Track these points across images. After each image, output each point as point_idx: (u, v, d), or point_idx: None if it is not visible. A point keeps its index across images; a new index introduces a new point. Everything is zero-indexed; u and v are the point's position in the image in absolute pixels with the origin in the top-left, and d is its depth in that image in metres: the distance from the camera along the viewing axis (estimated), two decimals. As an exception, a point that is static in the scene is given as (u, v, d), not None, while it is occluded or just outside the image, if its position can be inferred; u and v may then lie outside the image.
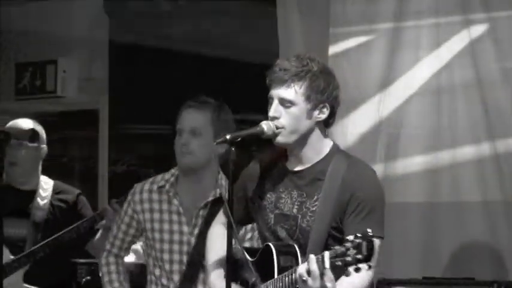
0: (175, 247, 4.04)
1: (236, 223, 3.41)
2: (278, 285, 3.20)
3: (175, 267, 4.03)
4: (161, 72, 6.50)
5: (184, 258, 4.02)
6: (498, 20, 5.13)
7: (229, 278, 3.18)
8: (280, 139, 3.26)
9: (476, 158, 5.19)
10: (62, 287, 4.83)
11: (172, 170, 4.16)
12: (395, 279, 4.80)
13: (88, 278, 5.65)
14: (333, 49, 5.60)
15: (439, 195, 5.28)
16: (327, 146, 3.35)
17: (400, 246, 5.11)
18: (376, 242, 3.09)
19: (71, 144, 7.21)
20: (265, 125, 3.24)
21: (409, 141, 5.38)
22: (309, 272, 3.00)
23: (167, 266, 4.04)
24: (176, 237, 4.04)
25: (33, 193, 4.73)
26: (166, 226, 4.06)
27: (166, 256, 4.05)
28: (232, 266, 3.23)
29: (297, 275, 3.05)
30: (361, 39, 5.56)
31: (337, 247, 2.94)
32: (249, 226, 3.90)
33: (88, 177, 6.90)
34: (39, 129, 4.80)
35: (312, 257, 3.00)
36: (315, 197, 3.29)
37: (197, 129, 4.03)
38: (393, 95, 5.43)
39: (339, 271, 2.94)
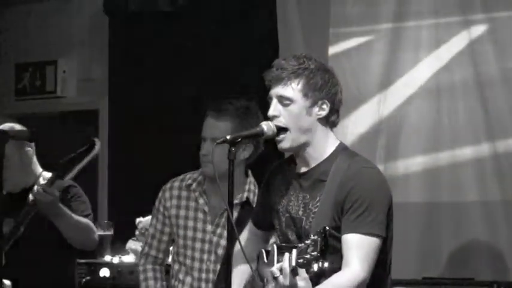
0: (197, 245, 4.04)
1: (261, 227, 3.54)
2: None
3: (196, 264, 4.03)
4: (161, 72, 6.50)
5: (205, 256, 4.02)
6: (498, 21, 5.15)
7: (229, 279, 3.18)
8: (283, 145, 3.26)
9: (476, 158, 5.19)
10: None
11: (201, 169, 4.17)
12: (395, 280, 4.52)
13: (88, 278, 5.69)
14: (333, 49, 5.63)
15: (438, 196, 5.29)
16: (331, 145, 3.32)
17: (399, 246, 4.86)
18: (371, 241, 3.10)
19: (71, 145, 7.22)
20: (265, 125, 3.22)
21: (409, 141, 5.38)
22: (280, 270, 2.99)
23: (188, 262, 4.05)
24: (199, 235, 4.04)
25: (28, 191, 4.59)
26: (190, 223, 4.07)
27: (188, 252, 4.06)
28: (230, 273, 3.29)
29: (270, 273, 3.05)
30: (361, 39, 5.58)
31: (301, 244, 2.93)
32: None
33: (88, 178, 6.91)
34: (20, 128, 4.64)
35: (286, 255, 3.00)
36: (317, 198, 3.28)
37: (217, 139, 3.98)
38: (393, 95, 5.44)
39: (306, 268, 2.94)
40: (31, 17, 7.23)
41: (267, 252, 3.33)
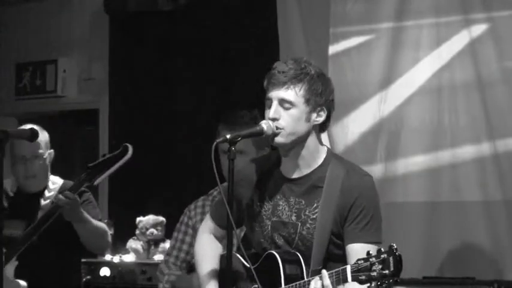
0: None
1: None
2: None
3: None
4: (161, 71, 6.51)
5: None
6: (498, 20, 5.15)
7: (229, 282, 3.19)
8: (278, 139, 3.25)
9: (477, 158, 5.19)
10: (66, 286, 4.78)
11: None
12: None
13: (88, 277, 5.74)
14: (333, 48, 5.63)
15: (439, 195, 5.30)
16: (323, 152, 3.36)
17: (400, 245, 4.93)
18: (375, 247, 3.10)
19: (71, 144, 7.19)
20: (265, 125, 3.24)
21: (410, 140, 5.39)
22: (323, 287, 3.02)
23: None
24: None
25: (40, 194, 4.68)
26: None
27: None
28: (229, 273, 3.26)
29: None
30: (362, 38, 5.58)
31: (360, 261, 2.95)
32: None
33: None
34: (46, 134, 4.73)
35: (324, 272, 3.03)
36: (315, 204, 3.29)
37: (239, 150, 3.85)
38: (394, 94, 5.45)
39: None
40: (31, 16, 7.26)
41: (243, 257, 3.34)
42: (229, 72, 6.09)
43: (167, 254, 4.33)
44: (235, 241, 3.46)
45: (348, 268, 2.97)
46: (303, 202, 3.31)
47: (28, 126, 4.50)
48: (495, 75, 5.15)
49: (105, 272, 5.81)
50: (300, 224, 3.30)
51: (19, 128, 4.63)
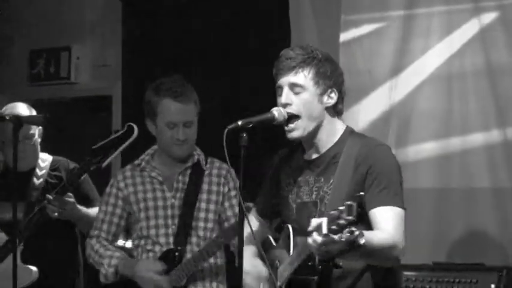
0: (160, 212, 4.19)
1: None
2: (291, 259, 3.28)
3: (162, 231, 4.17)
4: (174, 57, 6.49)
5: (169, 222, 4.18)
6: (508, 8, 5.14)
7: (241, 260, 3.20)
8: (295, 134, 3.32)
9: (487, 145, 5.20)
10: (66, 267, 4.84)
11: (148, 151, 4.33)
12: (406, 264, 4.58)
13: None
14: (344, 36, 5.63)
15: (449, 182, 5.29)
16: (339, 130, 3.40)
17: (410, 232, 4.92)
18: (398, 212, 3.24)
19: (84, 130, 7.18)
20: (276, 111, 3.27)
21: (420, 127, 5.39)
22: (316, 227, 3.02)
23: (152, 232, 4.17)
24: (160, 202, 4.20)
25: (31, 173, 4.73)
26: (149, 195, 4.22)
27: (152, 222, 4.18)
28: (263, 247, 3.40)
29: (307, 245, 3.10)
30: (373, 26, 5.57)
31: (332, 211, 2.95)
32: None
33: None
34: (34, 111, 4.73)
35: (322, 218, 3.01)
36: (331, 179, 3.34)
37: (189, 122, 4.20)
38: (404, 81, 5.45)
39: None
40: (45, 4, 7.25)
41: (275, 239, 3.44)
42: (242, 61, 6.08)
43: (96, 228, 4.25)
44: (258, 227, 3.60)
45: (325, 220, 2.95)
46: (322, 180, 3.37)
47: (18, 104, 4.66)
48: (505, 63, 5.14)
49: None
50: (319, 202, 3.36)
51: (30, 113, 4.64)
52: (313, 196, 3.38)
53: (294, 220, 3.42)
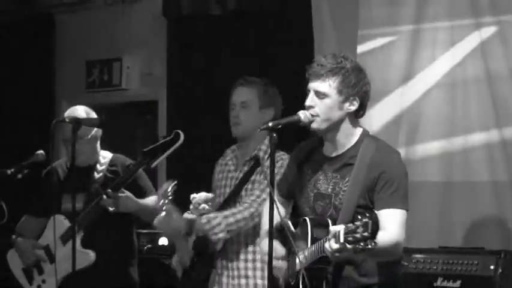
0: (227, 182, 4.48)
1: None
2: (309, 253, 3.42)
3: (221, 198, 4.44)
4: (212, 66, 6.68)
5: (227, 191, 4.43)
6: (506, 23, 5.25)
7: (271, 242, 3.37)
8: (314, 125, 3.46)
9: (486, 143, 5.32)
10: (123, 253, 4.90)
11: (233, 147, 4.54)
12: (415, 248, 4.92)
13: (149, 245, 6.06)
14: (360, 48, 5.75)
15: (453, 176, 5.42)
16: (357, 133, 3.52)
17: (419, 219, 5.19)
18: (403, 213, 3.35)
19: (134, 131, 7.45)
20: (302, 114, 3.45)
21: (427, 128, 5.51)
22: (334, 235, 3.15)
23: (221, 199, 4.44)
24: (228, 181, 4.47)
25: (92, 168, 4.81)
26: (224, 174, 4.49)
27: (219, 191, 4.48)
28: (280, 234, 3.52)
29: (324, 247, 3.24)
30: (385, 39, 5.71)
31: (349, 224, 3.05)
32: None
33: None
34: (93, 113, 4.80)
35: (339, 226, 3.15)
36: (347, 178, 3.47)
37: (245, 103, 4.35)
38: (413, 88, 5.57)
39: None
40: (100, 21, 7.47)
41: (293, 224, 3.58)
42: (272, 69, 6.10)
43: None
44: (282, 210, 3.68)
45: (342, 230, 3.07)
46: (338, 176, 3.49)
47: (77, 107, 4.75)
48: (503, 72, 5.24)
49: (163, 241, 6.06)
50: (333, 195, 3.49)
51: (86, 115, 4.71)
52: (329, 190, 3.51)
53: (310, 207, 3.58)
